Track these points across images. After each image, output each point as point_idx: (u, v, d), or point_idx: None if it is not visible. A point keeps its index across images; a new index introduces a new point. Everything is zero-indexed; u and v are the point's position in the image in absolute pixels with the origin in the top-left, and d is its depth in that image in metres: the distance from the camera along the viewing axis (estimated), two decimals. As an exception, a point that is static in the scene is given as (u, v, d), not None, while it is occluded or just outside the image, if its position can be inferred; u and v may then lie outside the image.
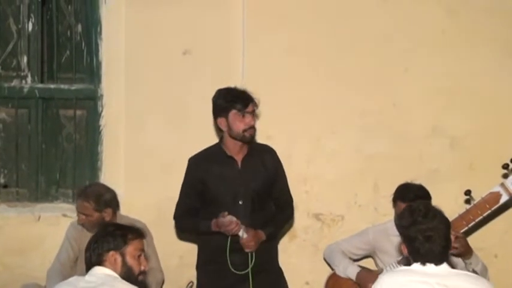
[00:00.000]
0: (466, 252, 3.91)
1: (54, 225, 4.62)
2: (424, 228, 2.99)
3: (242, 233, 3.83)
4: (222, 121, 3.91)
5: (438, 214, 3.09)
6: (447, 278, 2.96)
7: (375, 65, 4.62)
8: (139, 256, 3.22)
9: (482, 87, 4.61)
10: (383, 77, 4.63)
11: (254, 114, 3.93)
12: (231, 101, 3.88)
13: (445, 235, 3.02)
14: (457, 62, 4.62)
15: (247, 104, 3.88)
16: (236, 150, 3.97)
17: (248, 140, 3.92)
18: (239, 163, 3.98)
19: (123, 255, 3.17)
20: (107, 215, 4.23)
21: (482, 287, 2.98)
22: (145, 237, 3.34)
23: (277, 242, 4.14)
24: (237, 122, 3.88)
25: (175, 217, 4.13)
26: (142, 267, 3.22)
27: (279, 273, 4.13)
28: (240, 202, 3.95)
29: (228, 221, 3.79)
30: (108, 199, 4.25)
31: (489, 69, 4.61)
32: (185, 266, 4.61)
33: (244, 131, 3.88)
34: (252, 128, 3.90)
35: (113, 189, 4.35)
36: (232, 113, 3.87)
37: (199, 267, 4.15)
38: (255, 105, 3.92)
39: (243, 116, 3.88)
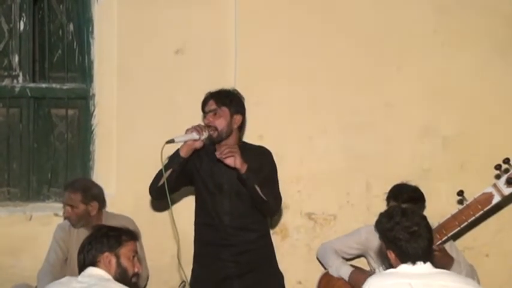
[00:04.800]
0: (445, 265, 3.84)
1: (46, 224, 4.59)
2: (408, 225, 3.00)
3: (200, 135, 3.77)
4: None
5: (415, 211, 3.13)
6: (434, 278, 2.96)
7: (367, 64, 4.63)
8: (133, 258, 3.22)
9: (474, 87, 4.62)
10: (375, 77, 4.64)
11: (218, 112, 3.84)
12: None
13: (427, 228, 3.03)
14: (449, 61, 4.63)
15: (203, 106, 3.91)
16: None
17: (211, 141, 3.86)
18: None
19: (117, 257, 3.17)
20: (93, 208, 4.25)
21: (468, 286, 2.98)
22: (138, 240, 3.34)
23: (271, 242, 4.09)
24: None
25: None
26: (135, 269, 3.22)
27: (274, 275, 4.05)
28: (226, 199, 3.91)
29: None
30: (95, 193, 4.29)
31: (481, 69, 4.62)
32: (177, 265, 4.60)
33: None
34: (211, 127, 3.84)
35: (100, 186, 4.39)
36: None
37: (194, 258, 4.11)
38: (218, 103, 3.85)
39: (205, 117, 3.91)
